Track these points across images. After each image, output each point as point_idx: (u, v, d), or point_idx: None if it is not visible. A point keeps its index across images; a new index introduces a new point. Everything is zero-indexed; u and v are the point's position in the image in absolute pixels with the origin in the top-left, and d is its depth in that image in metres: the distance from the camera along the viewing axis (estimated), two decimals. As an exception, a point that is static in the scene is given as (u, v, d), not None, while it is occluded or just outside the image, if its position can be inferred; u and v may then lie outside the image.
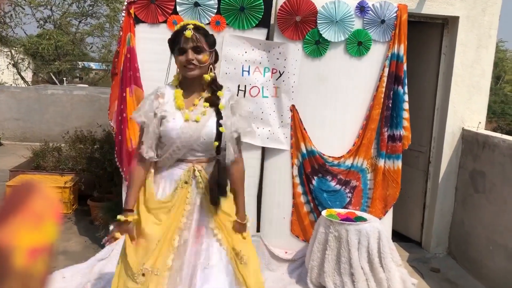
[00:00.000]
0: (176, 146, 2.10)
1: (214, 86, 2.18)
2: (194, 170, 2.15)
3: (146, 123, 2.09)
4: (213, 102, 2.15)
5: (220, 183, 2.13)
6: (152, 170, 2.18)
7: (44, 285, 0.56)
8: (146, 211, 2.15)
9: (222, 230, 2.18)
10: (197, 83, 2.17)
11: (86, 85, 13.70)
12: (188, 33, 2.08)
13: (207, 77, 2.15)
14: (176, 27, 2.19)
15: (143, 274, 2.09)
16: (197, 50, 2.10)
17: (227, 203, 2.19)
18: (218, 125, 2.11)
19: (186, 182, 2.15)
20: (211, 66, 2.18)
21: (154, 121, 2.09)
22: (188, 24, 2.13)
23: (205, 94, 2.18)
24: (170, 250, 2.13)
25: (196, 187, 2.16)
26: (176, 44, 2.13)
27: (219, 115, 2.13)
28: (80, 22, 14.90)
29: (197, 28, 2.13)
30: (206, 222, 2.17)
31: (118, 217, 2.11)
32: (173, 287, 2.12)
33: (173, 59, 2.21)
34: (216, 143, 2.10)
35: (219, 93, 2.17)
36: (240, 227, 2.23)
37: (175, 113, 2.11)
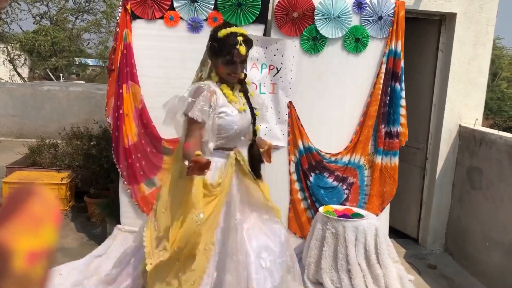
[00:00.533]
0: (233, 134, 2.39)
1: (243, 80, 2.46)
2: (236, 155, 2.47)
3: (204, 120, 2.25)
4: (245, 92, 2.47)
5: (260, 160, 2.52)
6: None
7: None
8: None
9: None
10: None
11: (83, 82, 13.66)
12: (243, 50, 2.26)
13: (242, 74, 2.43)
14: (226, 33, 2.28)
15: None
16: (243, 62, 2.37)
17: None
18: (253, 110, 2.43)
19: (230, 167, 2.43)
20: None
21: (212, 116, 2.29)
22: (240, 36, 2.27)
23: (238, 86, 2.47)
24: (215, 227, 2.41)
25: (238, 170, 2.48)
26: (225, 53, 2.27)
27: (249, 103, 2.45)
28: (76, 18, 14.84)
29: (246, 41, 2.30)
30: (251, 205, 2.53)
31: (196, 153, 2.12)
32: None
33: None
34: (258, 127, 2.49)
35: (247, 81, 2.47)
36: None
37: (229, 106, 2.36)
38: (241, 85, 2.48)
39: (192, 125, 2.27)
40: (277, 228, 2.59)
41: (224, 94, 2.36)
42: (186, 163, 2.12)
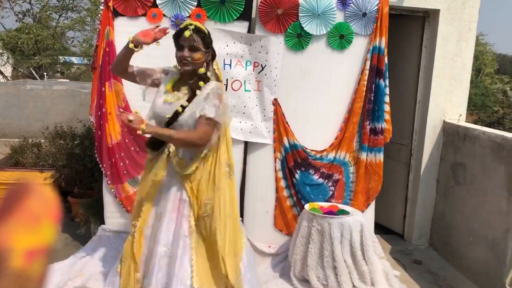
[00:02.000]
0: (153, 117, 2.56)
1: (201, 79, 2.48)
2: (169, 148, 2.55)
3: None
4: (193, 90, 2.49)
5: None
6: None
7: (41, 287, 0.55)
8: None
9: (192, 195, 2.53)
10: (192, 75, 2.50)
11: (67, 80, 13.50)
12: (187, 33, 2.41)
13: (201, 70, 2.48)
14: (185, 24, 2.52)
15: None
16: (193, 48, 2.43)
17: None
18: (181, 106, 2.44)
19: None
20: (206, 63, 2.52)
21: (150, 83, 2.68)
22: (190, 25, 2.46)
23: (187, 83, 2.53)
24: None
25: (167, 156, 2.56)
26: (177, 38, 2.47)
27: (190, 100, 2.47)
28: (60, 16, 14.65)
29: (196, 30, 2.45)
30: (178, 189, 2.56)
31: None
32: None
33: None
34: (168, 116, 2.44)
35: (200, 83, 2.47)
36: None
37: (160, 94, 2.54)
38: (192, 88, 2.49)
39: None
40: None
41: (169, 82, 2.58)
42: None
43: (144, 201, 2.63)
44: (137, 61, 3.61)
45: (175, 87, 2.55)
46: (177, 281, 2.42)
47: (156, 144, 2.58)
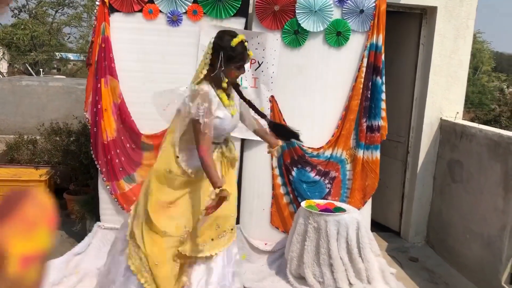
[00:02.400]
0: (222, 135, 2.60)
1: (237, 85, 2.65)
2: (223, 149, 2.63)
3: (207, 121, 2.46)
4: (239, 92, 2.65)
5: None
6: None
7: None
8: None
9: None
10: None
11: (64, 76, 13.42)
12: (251, 54, 2.53)
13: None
14: (237, 41, 2.45)
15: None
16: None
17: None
18: (246, 100, 2.65)
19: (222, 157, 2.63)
20: None
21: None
22: (246, 42, 2.49)
23: (232, 90, 2.63)
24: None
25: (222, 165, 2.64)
26: (239, 59, 2.46)
27: (243, 97, 2.64)
28: (56, 11, 14.58)
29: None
30: None
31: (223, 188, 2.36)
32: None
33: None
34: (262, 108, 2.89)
35: (238, 83, 2.67)
36: None
37: (223, 110, 2.51)
38: (235, 87, 2.64)
39: (198, 126, 2.40)
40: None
41: (220, 98, 2.51)
42: (213, 196, 2.34)
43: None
44: (133, 58, 3.60)
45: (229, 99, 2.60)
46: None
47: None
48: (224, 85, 2.48)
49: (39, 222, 0.55)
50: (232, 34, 2.52)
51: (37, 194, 0.58)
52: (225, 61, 2.45)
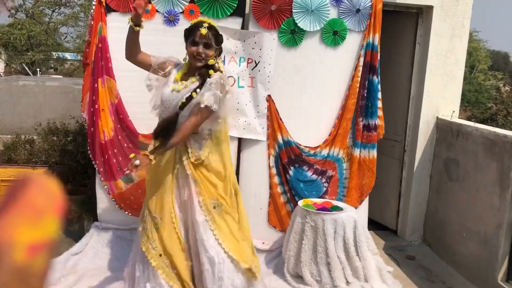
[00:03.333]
0: (162, 106, 2.69)
1: (209, 69, 2.64)
2: None
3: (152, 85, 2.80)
4: (203, 78, 2.62)
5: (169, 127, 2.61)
6: None
7: (43, 281, 0.55)
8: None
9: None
10: (200, 68, 2.65)
11: (61, 76, 13.40)
12: (203, 31, 2.58)
13: (211, 61, 2.65)
14: (193, 22, 2.69)
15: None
16: (207, 45, 2.61)
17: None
18: (193, 91, 2.59)
19: None
20: (214, 58, 2.67)
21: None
22: (204, 22, 2.62)
23: (197, 75, 2.66)
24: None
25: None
26: (190, 36, 2.62)
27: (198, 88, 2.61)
28: (53, 11, 14.56)
29: (210, 28, 2.63)
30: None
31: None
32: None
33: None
34: (183, 101, 2.57)
35: (210, 71, 2.63)
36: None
37: (169, 83, 2.67)
38: (203, 75, 2.63)
39: None
40: None
41: (178, 72, 2.70)
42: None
43: (164, 193, 2.74)
44: (116, 58, 3.59)
45: (183, 78, 2.68)
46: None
47: (164, 133, 2.61)
48: (184, 60, 2.72)
49: (46, 210, 0.55)
50: (198, 19, 2.76)
51: (45, 181, 0.57)
52: (185, 41, 2.69)
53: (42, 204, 0.55)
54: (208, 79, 2.61)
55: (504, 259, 3.36)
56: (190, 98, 2.58)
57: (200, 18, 2.77)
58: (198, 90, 2.59)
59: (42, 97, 7.52)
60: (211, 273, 2.69)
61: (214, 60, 2.66)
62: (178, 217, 2.76)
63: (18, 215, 0.52)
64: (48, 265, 0.55)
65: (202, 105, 2.54)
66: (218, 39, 2.67)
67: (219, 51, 2.73)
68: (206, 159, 2.70)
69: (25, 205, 0.53)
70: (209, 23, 2.64)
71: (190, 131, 2.60)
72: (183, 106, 2.59)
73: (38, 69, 14.77)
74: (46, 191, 0.56)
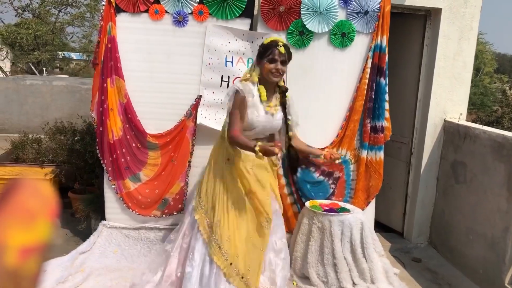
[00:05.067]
0: (255, 132, 2.87)
1: (284, 88, 2.96)
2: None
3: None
4: (283, 103, 2.95)
5: (297, 160, 3.10)
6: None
7: (35, 284, 0.55)
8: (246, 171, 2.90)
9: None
10: (275, 85, 2.93)
11: (67, 76, 13.47)
12: (282, 50, 2.80)
13: (281, 82, 2.96)
14: (270, 40, 2.88)
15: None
16: (283, 62, 2.84)
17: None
18: (287, 119, 2.94)
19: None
20: None
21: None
22: (280, 41, 2.84)
23: (276, 93, 2.95)
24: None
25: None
26: (268, 53, 2.81)
27: (285, 112, 2.94)
28: (60, 11, 14.62)
29: (286, 46, 2.86)
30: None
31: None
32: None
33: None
34: (292, 134, 2.99)
35: (287, 95, 2.95)
36: None
37: (258, 107, 2.83)
38: (281, 94, 2.94)
39: (234, 115, 2.80)
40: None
41: (259, 93, 2.84)
42: (257, 149, 2.55)
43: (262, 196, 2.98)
44: (139, 58, 3.62)
45: (268, 97, 2.88)
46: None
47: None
48: (255, 79, 2.84)
49: (39, 213, 0.54)
50: (272, 38, 2.93)
51: (38, 185, 0.57)
52: (258, 57, 2.88)
53: (34, 207, 0.54)
54: (287, 99, 2.94)
55: (511, 262, 3.35)
56: (287, 124, 2.96)
57: (275, 37, 3.01)
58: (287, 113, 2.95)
59: (49, 96, 7.57)
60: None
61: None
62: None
63: (10, 218, 0.52)
64: (40, 268, 0.55)
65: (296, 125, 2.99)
66: (291, 56, 2.91)
67: None
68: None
69: (17, 208, 0.53)
70: (283, 42, 2.86)
71: None
72: (289, 137, 2.99)
73: (44, 69, 14.84)
74: (39, 194, 0.56)
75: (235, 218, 2.89)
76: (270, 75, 2.82)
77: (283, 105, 2.94)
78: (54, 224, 0.56)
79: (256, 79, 2.85)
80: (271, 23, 3.64)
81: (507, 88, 18.50)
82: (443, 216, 4.21)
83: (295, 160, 3.06)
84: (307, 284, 3.41)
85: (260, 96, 2.84)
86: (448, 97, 4.23)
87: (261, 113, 2.83)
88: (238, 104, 2.77)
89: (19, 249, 0.51)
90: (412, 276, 3.81)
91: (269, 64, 2.80)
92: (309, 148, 3.23)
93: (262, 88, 2.85)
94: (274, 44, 2.82)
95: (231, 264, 2.81)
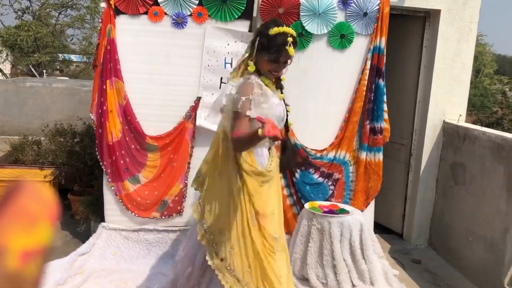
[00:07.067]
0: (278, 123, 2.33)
1: (279, 79, 2.48)
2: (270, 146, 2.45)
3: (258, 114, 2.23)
4: (281, 88, 2.50)
5: (295, 152, 2.80)
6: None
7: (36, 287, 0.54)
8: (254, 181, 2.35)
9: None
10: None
11: (67, 78, 13.46)
12: (292, 51, 2.24)
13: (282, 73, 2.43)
14: (277, 31, 2.24)
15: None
16: (287, 63, 2.33)
17: None
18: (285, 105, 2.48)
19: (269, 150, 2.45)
20: None
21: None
22: (290, 37, 2.24)
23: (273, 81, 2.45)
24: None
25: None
26: (274, 51, 2.24)
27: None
28: (60, 13, 14.62)
29: (295, 43, 2.27)
30: None
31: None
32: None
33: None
34: (291, 122, 2.64)
35: (282, 78, 2.50)
36: None
37: (274, 97, 2.36)
38: (277, 81, 2.47)
39: (242, 119, 2.20)
40: None
41: (266, 85, 2.34)
42: (259, 132, 1.96)
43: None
44: (138, 60, 3.62)
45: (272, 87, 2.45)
46: None
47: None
48: (252, 69, 2.29)
49: (40, 216, 0.54)
50: (279, 23, 2.29)
51: (39, 188, 0.57)
52: (259, 48, 2.28)
53: (35, 210, 0.54)
54: (282, 83, 2.51)
55: (511, 263, 3.35)
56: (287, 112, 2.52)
57: (284, 28, 2.28)
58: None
59: (49, 98, 7.58)
60: None
61: None
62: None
63: (11, 222, 0.52)
64: (41, 271, 0.54)
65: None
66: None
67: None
68: None
69: (18, 212, 0.53)
70: (294, 36, 2.29)
71: None
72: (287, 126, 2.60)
73: (44, 71, 14.83)
74: (39, 198, 0.56)
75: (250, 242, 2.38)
76: (269, 73, 2.35)
77: (281, 91, 2.50)
78: (55, 227, 0.56)
79: (252, 69, 2.32)
80: (270, 25, 3.64)
81: (507, 89, 18.49)
82: (443, 218, 4.21)
83: (292, 160, 2.68)
84: (306, 285, 3.41)
85: (268, 87, 2.36)
86: (447, 99, 4.23)
87: (276, 101, 2.36)
88: (247, 108, 2.19)
89: (20, 253, 0.51)
90: (412, 277, 3.81)
91: (270, 64, 2.30)
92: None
93: (264, 78, 2.35)
94: (283, 40, 2.23)
95: None
